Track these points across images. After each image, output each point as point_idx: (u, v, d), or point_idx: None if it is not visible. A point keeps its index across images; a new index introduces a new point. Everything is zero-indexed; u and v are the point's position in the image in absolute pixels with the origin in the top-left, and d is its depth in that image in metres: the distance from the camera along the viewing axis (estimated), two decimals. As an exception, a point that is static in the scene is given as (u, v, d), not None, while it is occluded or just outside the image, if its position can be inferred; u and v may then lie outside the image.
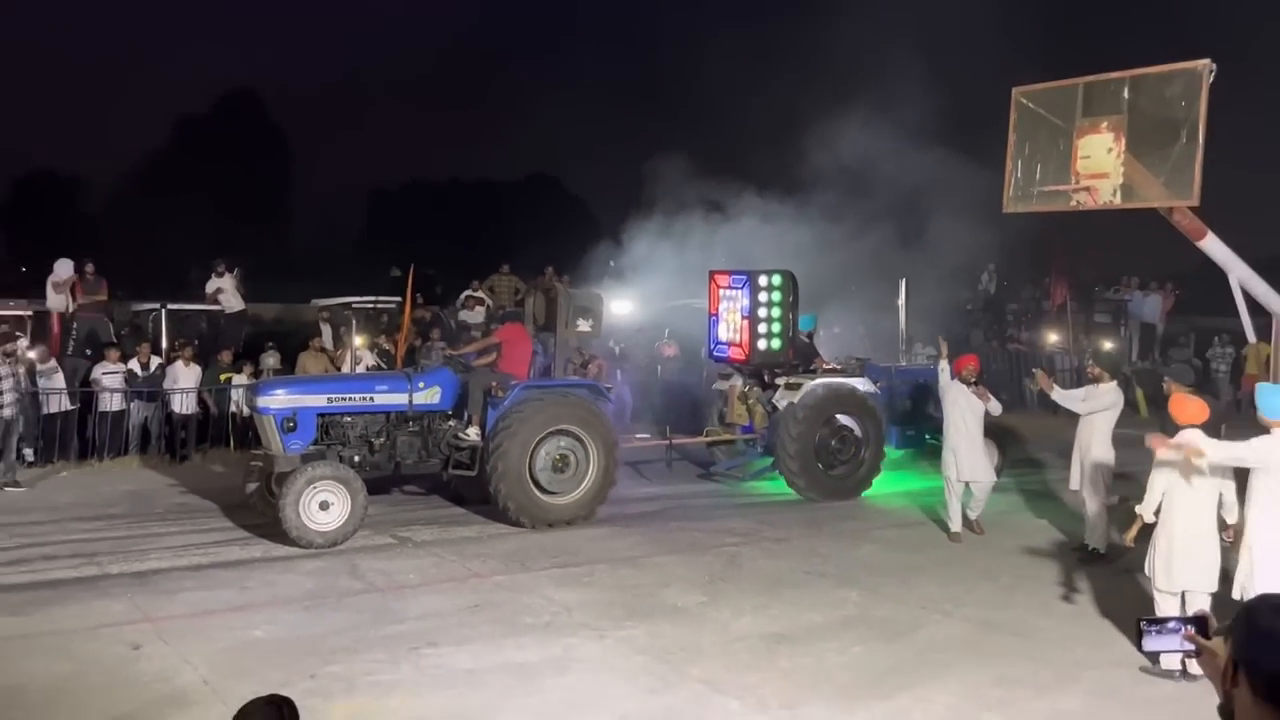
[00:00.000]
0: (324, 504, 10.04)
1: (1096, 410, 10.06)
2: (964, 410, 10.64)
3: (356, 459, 10.82)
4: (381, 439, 11.06)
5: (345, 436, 10.94)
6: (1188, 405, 7.36)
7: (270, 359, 15.70)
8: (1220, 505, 7.17)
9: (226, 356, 15.57)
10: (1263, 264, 10.43)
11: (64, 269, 16.32)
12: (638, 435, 14.06)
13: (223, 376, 15.17)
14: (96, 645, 7.33)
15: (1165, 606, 7.12)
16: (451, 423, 11.31)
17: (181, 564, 9.51)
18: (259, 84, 48.65)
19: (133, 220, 38.30)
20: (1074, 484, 10.28)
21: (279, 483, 10.22)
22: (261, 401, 10.58)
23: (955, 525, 10.85)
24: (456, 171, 46.77)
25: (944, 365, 11.01)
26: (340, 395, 10.91)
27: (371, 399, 10.98)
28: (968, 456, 10.64)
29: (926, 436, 13.70)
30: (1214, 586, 7.09)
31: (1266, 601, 2.39)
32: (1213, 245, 9.67)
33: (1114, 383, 10.35)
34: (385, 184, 49.39)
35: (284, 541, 10.03)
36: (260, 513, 10.72)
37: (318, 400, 10.75)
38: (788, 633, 7.84)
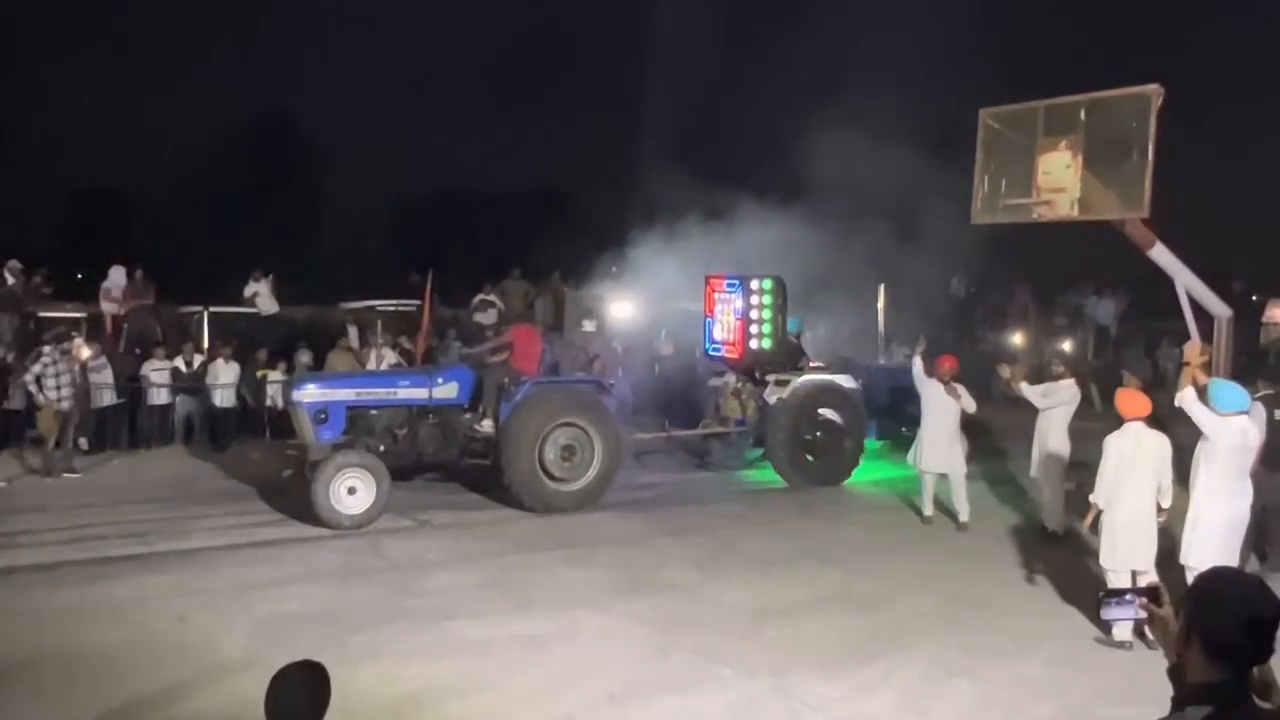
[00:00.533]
0: (351, 489, 10.07)
1: (1056, 405, 10.09)
2: (938, 406, 10.64)
3: (381, 448, 10.82)
4: (404, 430, 11.07)
5: (371, 428, 10.95)
6: (1132, 399, 7.41)
7: (304, 357, 15.69)
8: (1159, 491, 7.23)
9: (263, 355, 15.57)
10: (1209, 273, 10.47)
11: (118, 276, 16.29)
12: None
13: (259, 373, 15.18)
14: (147, 616, 7.36)
15: (1115, 584, 7.15)
16: (467, 415, 11.32)
17: (222, 543, 9.55)
18: (292, 102, 48.59)
19: (179, 229, 38.33)
20: (1034, 471, 10.31)
21: (311, 469, 10.25)
22: (296, 395, 10.60)
23: (927, 510, 10.87)
24: (473, 185, 46.72)
25: (916, 360, 11.03)
26: (367, 390, 10.94)
27: (395, 394, 11.00)
28: (932, 448, 10.62)
29: (902, 429, 13.72)
30: (1152, 564, 7.14)
31: (1217, 572, 2.53)
32: (1160, 254, 9.69)
33: (1073, 379, 10.38)
34: (407, 196, 49.35)
35: (315, 523, 10.06)
36: (295, 496, 10.76)
37: (347, 395, 10.77)
38: (775, 607, 7.87)
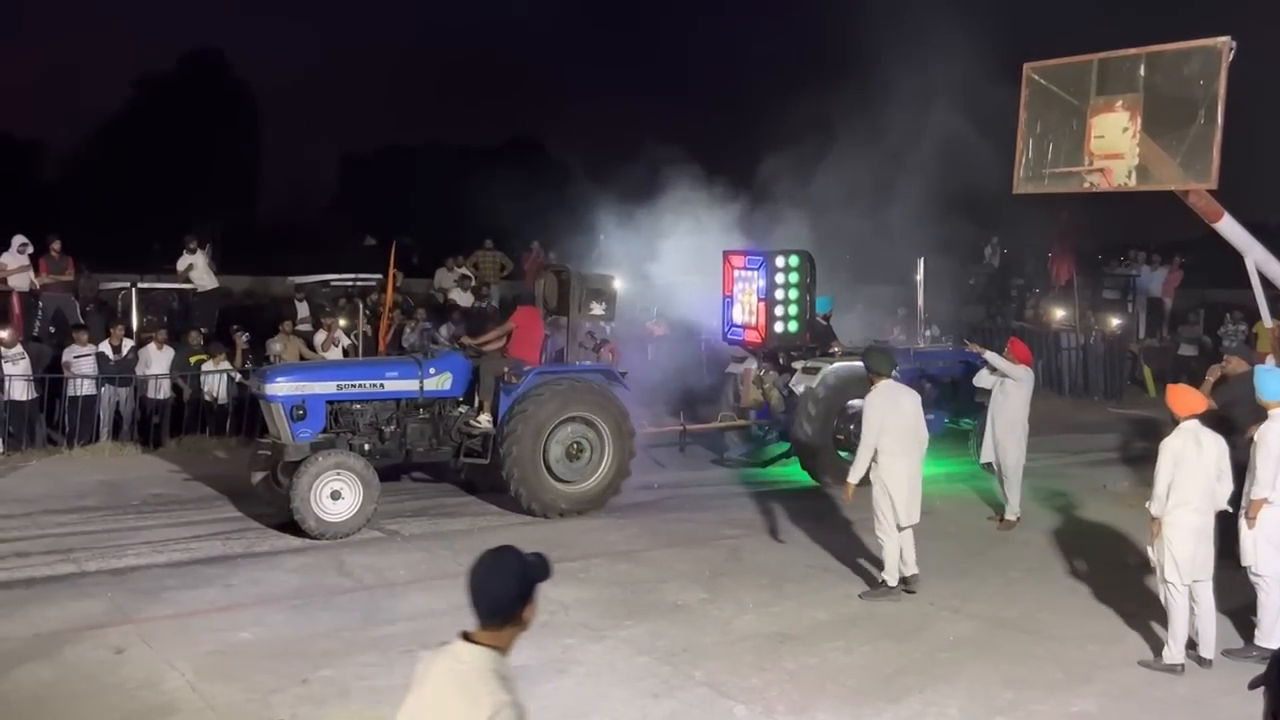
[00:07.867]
0: (335, 493, 10.13)
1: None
2: (1000, 391, 10.98)
3: (367, 447, 10.86)
4: (392, 427, 11.10)
5: (355, 424, 10.97)
6: (1185, 396, 7.50)
7: (276, 346, 15.44)
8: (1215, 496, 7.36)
9: (196, 338, 15.43)
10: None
11: (18, 246, 15.93)
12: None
13: (192, 359, 15.02)
14: (78, 649, 7.34)
15: (1174, 598, 7.25)
16: (463, 409, 11.36)
17: (161, 560, 9.53)
18: (226, 41, 48.09)
19: (95, 189, 37.92)
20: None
21: (286, 472, 10.30)
22: (269, 388, 10.56)
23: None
24: (434, 135, 46.50)
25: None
26: (350, 382, 10.96)
27: (382, 385, 11.04)
28: (988, 438, 11.08)
29: (946, 420, 13.74)
30: (1211, 574, 7.28)
31: None
32: (1229, 227, 9.73)
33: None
34: (359, 149, 49.05)
35: (268, 533, 10.08)
36: (267, 502, 10.79)
37: (327, 387, 10.78)
38: (792, 631, 7.93)
